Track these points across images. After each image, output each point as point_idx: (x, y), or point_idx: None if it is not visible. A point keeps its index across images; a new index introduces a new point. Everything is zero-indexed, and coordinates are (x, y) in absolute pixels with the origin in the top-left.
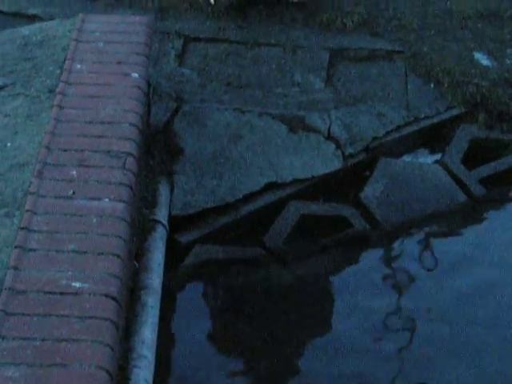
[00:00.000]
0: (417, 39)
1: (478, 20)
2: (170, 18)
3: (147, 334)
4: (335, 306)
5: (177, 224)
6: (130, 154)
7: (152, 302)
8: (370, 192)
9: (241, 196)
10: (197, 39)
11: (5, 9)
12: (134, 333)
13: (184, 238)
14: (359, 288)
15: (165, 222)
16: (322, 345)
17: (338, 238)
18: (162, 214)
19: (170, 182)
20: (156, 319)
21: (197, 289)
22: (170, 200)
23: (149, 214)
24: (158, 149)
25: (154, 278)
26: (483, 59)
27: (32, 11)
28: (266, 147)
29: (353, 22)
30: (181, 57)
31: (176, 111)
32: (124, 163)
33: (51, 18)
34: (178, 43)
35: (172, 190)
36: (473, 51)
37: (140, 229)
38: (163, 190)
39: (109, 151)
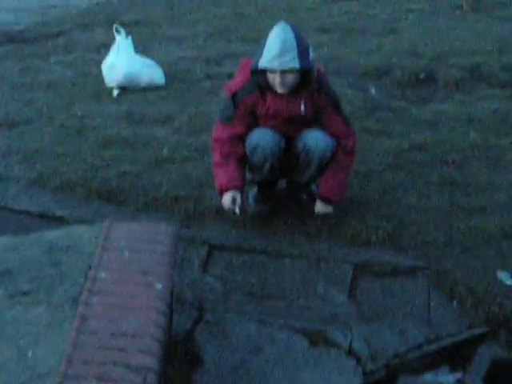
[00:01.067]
0: (440, 255)
1: (502, 239)
2: (195, 225)
3: None
4: None
5: None
6: (150, 369)
7: None
8: None
9: None
10: (221, 247)
11: (32, 209)
12: None
13: None
14: None
15: None
16: None
17: None
18: None
19: None
20: None
21: None
22: None
23: None
24: (178, 357)
25: None
26: (507, 278)
27: (59, 213)
28: (287, 360)
29: (377, 236)
30: (205, 265)
31: (198, 320)
32: (144, 378)
33: (78, 221)
34: (203, 251)
35: None
36: (496, 270)
37: None
38: None
39: (129, 365)
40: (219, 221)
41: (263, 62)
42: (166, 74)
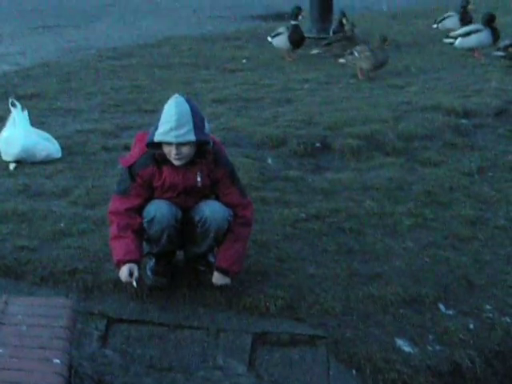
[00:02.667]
0: (339, 324)
1: (400, 305)
2: (93, 298)
3: None
4: None
5: None
6: None
7: None
8: None
9: None
10: (120, 320)
11: None
12: None
13: None
14: None
15: None
16: None
17: None
18: None
19: None
20: None
21: None
22: None
23: None
24: None
25: None
26: (405, 345)
27: None
28: None
29: (276, 306)
30: (103, 338)
31: None
32: None
33: None
34: (101, 324)
35: None
36: (395, 337)
37: None
38: None
39: None
40: (118, 293)
41: (159, 135)
42: (62, 148)
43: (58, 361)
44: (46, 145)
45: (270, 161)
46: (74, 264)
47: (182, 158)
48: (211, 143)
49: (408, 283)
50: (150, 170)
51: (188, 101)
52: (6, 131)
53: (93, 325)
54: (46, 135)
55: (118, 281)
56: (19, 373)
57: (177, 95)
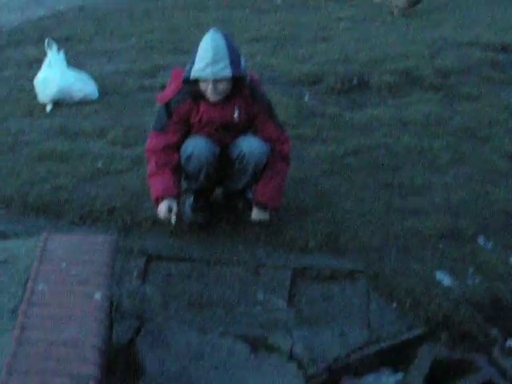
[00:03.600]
0: (379, 258)
1: (439, 239)
2: (132, 235)
3: None
4: None
5: None
6: (91, 376)
7: None
8: None
9: None
10: (159, 257)
11: None
12: None
13: None
14: None
15: None
16: None
17: None
18: None
19: None
20: None
21: None
22: None
23: None
24: (120, 367)
25: None
26: (445, 279)
27: None
28: (229, 367)
29: (315, 241)
30: (143, 275)
31: (138, 330)
32: None
33: (15, 236)
34: (141, 261)
35: None
36: (434, 270)
37: None
38: None
39: (70, 374)
40: (157, 231)
41: (195, 72)
42: (99, 88)
43: (98, 296)
44: (82, 86)
45: (306, 98)
46: (113, 202)
47: (219, 93)
48: (248, 78)
49: (447, 217)
50: (186, 107)
51: (224, 36)
52: (42, 72)
53: (132, 262)
54: (83, 76)
55: (156, 218)
56: (60, 308)
57: (213, 30)
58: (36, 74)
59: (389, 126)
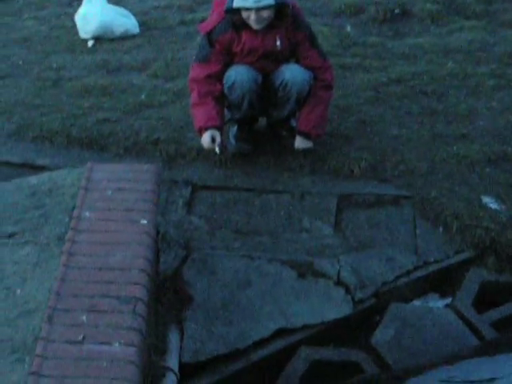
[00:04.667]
0: (424, 184)
1: (485, 164)
2: (177, 166)
3: None
4: None
5: (187, 371)
6: (139, 299)
7: None
8: (381, 337)
9: (251, 342)
10: (204, 187)
11: (13, 159)
12: None
13: None
14: None
15: (175, 369)
16: None
17: (349, 383)
18: (172, 362)
19: (179, 329)
20: None
21: None
22: (180, 347)
23: (159, 361)
24: (168, 296)
25: None
26: (491, 203)
27: (40, 162)
28: (276, 293)
29: (360, 167)
30: (189, 205)
31: (185, 259)
32: (134, 308)
33: (59, 168)
34: (186, 191)
35: (182, 338)
36: (481, 195)
37: (150, 376)
38: (173, 338)
39: (118, 296)
40: (201, 161)
41: (238, 1)
42: (140, 23)
43: (145, 221)
44: (123, 20)
45: (348, 28)
46: (157, 134)
47: (261, 22)
48: (290, 6)
49: (493, 142)
50: (228, 36)
51: None
52: (82, 8)
53: (177, 192)
54: (124, 11)
55: (200, 149)
56: (107, 234)
57: None
58: (77, 11)
59: (432, 53)
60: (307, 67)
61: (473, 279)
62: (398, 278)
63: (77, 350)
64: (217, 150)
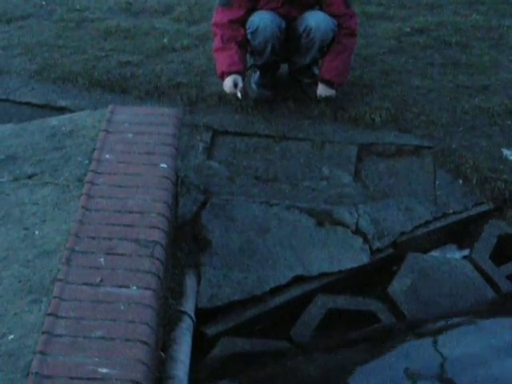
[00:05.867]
0: (445, 135)
1: (507, 116)
2: (198, 111)
3: None
4: None
5: (203, 316)
6: (158, 242)
7: None
8: (398, 287)
9: (268, 289)
10: (225, 132)
11: (35, 100)
12: None
13: (210, 330)
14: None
15: (192, 313)
16: None
17: (364, 332)
18: (188, 306)
19: (197, 273)
20: None
21: (223, 381)
22: (197, 291)
23: (176, 305)
24: (186, 241)
25: (181, 369)
26: None
27: (61, 103)
28: (294, 240)
29: (381, 117)
30: (209, 150)
31: (204, 204)
32: (152, 252)
33: (80, 110)
34: (207, 136)
35: (199, 282)
36: (501, 148)
37: (167, 319)
38: (190, 282)
39: (137, 240)
40: (222, 106)
41: None
42: None
43: (164, 165)
44: None
45: None
46: (178, 78)
47: None
48: None
49: None
50: None
51: None
52: None
53: (198, 137)
54: None
55: (222, 94)
56: (127, 177)
57: None
58: None
59: (456, 3)
60: (331, 14)
61: (491, 232)
62: (416, 228)
63: (94, 292)
64: (238, 95)
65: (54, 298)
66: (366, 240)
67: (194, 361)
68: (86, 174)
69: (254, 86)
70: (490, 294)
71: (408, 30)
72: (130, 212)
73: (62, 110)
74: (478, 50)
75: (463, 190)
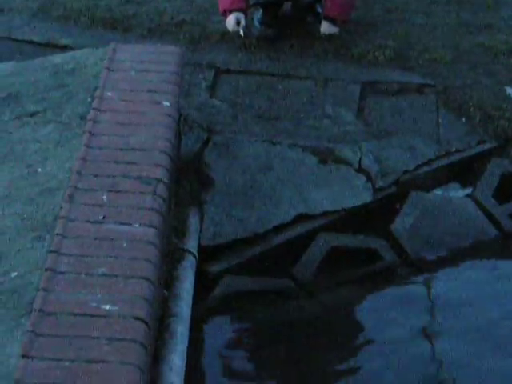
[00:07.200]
0: (448, 73)
1: (511, 55)
2: (201, 49)
3: (176, 360)
4: (363, 339)
5: (206, 254)
6: (160, 180)
7: (181, 330)
8: (401, 225)
9: (270, 227)
10: (228, 71)
11: (37, 39)
12: (163, 359)
13: (213, 269)
14: (387, 321)
15: (194, 251)
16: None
17: (367, 270)
18: (191, 244)
19: (199, 211)
20: (185, 347)
21: (225, 319)
22: (200, 230)
23: (178, 242)
24: (188, 179)
25: (183, 307)
26: None
27: (63, 41)
28: (296, 179)
29: (384, 55)
30: (212, 88)
31: (206, 142)
32: (155, 189)
33: (82, 47)
34: (209, 75)
35: (202, 220)
36: (505, 86)
37: (169, 257)
38: (193, 220)
39: (139, 177)
40: (225, 44)
41: None
42: None
43: (167, 103)
44: None
45: None
46: (181, 16)
47: None
48: None
49: None
50: None
51: None
52: None
53: (200, 75)
54: None
55: (225, 32)
56: (130, 114)
57: None
58: None
59: None
60: None
61: (494, 170)
62: (419, 166)
63: (97, 229)
64: (241, 32)
65: (57, 235)
66: (368, 178)
67: (197, 299)
68: (88, 112)
69: (256, 23)
70: (493, 232)
71: None
72: (133, 149)
73: (64, 48)
74: None
75: (466, 129)
